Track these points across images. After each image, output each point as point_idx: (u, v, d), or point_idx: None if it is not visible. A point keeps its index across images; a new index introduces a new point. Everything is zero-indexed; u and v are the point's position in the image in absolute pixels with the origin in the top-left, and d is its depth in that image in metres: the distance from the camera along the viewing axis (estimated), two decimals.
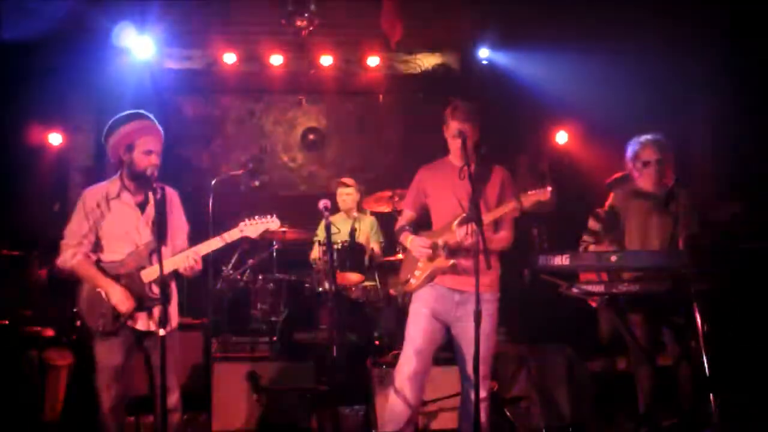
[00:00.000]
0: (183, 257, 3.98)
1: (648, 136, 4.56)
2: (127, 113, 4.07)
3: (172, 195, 4.20)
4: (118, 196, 4.05)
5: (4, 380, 5.27)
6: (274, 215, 4.13)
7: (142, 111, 4.11)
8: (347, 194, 6.89)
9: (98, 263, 4.00)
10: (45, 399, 5.30)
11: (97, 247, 4.04)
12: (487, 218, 3.99)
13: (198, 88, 9.00)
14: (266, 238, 6.65)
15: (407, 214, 4.44)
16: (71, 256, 3.97)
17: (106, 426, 4.00)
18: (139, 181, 4.02)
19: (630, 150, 4.60)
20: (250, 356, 5.54)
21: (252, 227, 4.10)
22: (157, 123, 4.10)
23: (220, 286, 6.67)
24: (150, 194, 3.99)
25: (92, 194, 4.05)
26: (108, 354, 3.97)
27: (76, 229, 4.01)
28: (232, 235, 4.06)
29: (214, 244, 4.03)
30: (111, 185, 4.08)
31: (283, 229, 6.51)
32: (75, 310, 4.06)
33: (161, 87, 8.30)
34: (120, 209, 4.04)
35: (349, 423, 5.44)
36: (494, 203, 4.20)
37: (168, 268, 3.94)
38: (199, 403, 5.33)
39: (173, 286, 4.17)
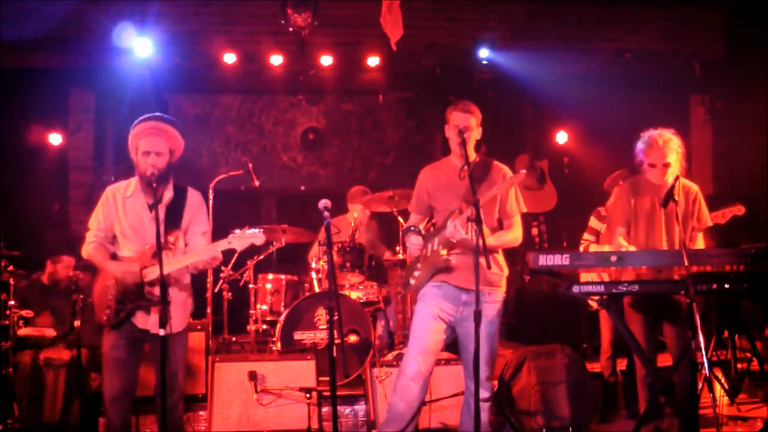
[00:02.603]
0: (202, 253, 4.07)
1: (657, 134, 4.49)
2: (143, 116, 4.15)
3: (193, 196, 4.25)
4: (132, 195, 4.15)
5: (3, 381, 5.26)
6: (261, 229, 4.12)
7: (155, 113, 4.18)
8: (358, 212, 6.86)
9: (114, 256, 4.14)
10: (44, 399, 5.30)
11: (114, 242, 4.18)
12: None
13: (198, 87, 9.00)
14: (266, 238, 6.64)
15: (413, 217, 4.45)
16: (88, 245, 4.16)
17: (109, 417, 4.05)
18: (146, 181, 4.05)
19: (639, 145, 4.55)
20: (250, 356, 5.53)
21: (239, 240, 4.07)
22: (166, 123, 4.14)
23: (220, 286, 6.67)
24: (162, 195, 4.05)
25: (111, 191, 4.21)
26: (112, 347, 4.06)
27: (93, 223, 4.19)
28: (220, 246, 4.07)
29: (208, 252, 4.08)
30: (130, 184, 4.20)
31: (283, 228, 6.53)
32: (89, 300, 4.28)
33: (161, 87, 8.29)
34: (132, 208, 4.14)
35: (349, 423, 5.45)
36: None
37: (176, 266, 4.02)
38: (199, 403, 5.34)
39: (185, 287, 4.20)
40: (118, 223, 4.13)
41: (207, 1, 7.73)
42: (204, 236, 4.25)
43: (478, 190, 4.03)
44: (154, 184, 3.95)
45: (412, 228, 4.32)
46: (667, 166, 4.45)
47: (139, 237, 4.09)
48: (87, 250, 4.17)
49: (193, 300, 4.33)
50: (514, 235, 4.24)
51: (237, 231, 4.09)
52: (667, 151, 4.44)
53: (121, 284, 4.03)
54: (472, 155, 4.23)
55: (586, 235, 5.90)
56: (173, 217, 4.10)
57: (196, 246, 4.17)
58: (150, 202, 4.06)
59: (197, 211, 4.25)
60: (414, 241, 4.23)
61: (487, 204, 4.09)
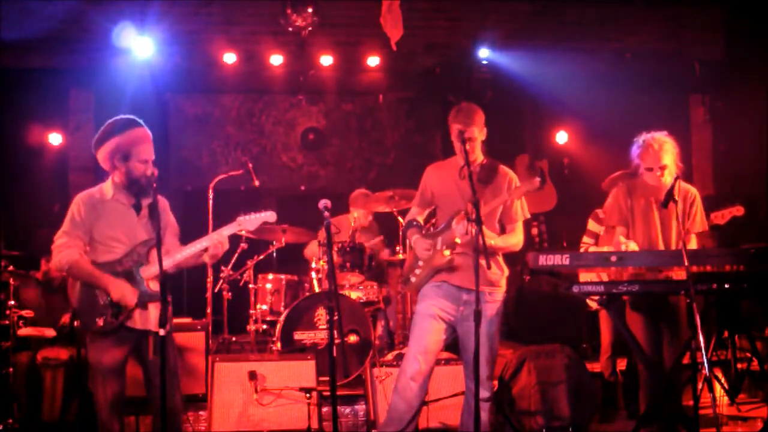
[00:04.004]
0: (209, 239, 4.03)
1: (651, 138, 4.52)
2: (121, 121, 4.09)
3: (163, 200, 4.22)
4: (112, 198, 4.07)
5: (3, 381, 5.26)
6: (272, 210, 4.16)
7: (134, 118, 4.12)
8: (360, 216, 6.86)
9: (93, 263, 4.00)
10: (43, 399, 5.30)
11: (90, 249, 4.04)
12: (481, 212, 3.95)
13: (198, 87, 9.00)
14: (266, 238, 6.65)
15: (414, 210, 4.47)
16: (68, 254, 3.96)
17: (105, 423, 3.99)
18: (135, 186, 4.04)
19: (634, 149, 4.58)
20: (250, 356, 5.53)
21: (250, 221, 4.13)
22: (147, 128, 4.12)
23: (220, 286, 6.67)
24: (142, 198, 4.03)
25: (85, 198, 4.07)
26: (104, 354, 3.96)
27: (69, 231, 4.01)
28: (230, 229, 4.08)
29: (214, 237, 4.06)
30: (104, 189, 4.11)
31: (283, 228, 6.53)
32: (72, 310, 4.07)
33: (161, 87, 8.30)
34: (115, 211, 4.06)
35: (349, 423, 5.45)
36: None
37: (169, 263, 3.97)
38: (199, 403, 5.34)
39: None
40: (102, 227, 4.01)
41: (207, 1, 7.73)
42: (176, 237, 4.24)
43: (483, 193, 4.07)
44: (155, 185, 3.94)
45: (414, 223, 4.35)
46: (664, 168, 4.49)
47: (125, 238, 4.03)
48: (68, 261, 3.95)
49: (192, 299, 4.32)
50: (517, 239, 4.27)
51: (244, 215, 4.12)
52: (662, 153, 4.48)
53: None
54: (480, 157, 4.27)
55: (585, 238, 5.91)
56: (155, 219, 4.06)
57: (173, 244, 4.15)
58: (133, 204, 4.06)
59: (168, 213, 4.25)
60: (423, 245, 4.24)
61: (493, 209, 4.12)
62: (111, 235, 4.03)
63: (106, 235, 4.02)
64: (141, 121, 4.13)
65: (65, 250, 3.97)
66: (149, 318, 4.00)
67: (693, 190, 4.59)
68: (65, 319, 5.52)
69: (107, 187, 4.10)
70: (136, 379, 4.17)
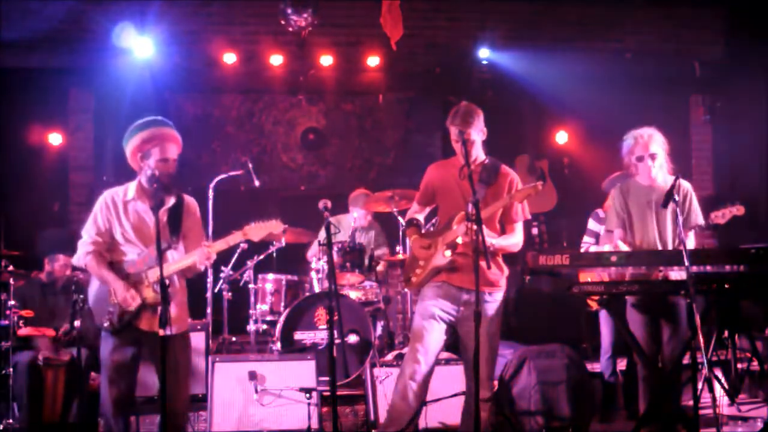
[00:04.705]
0: (198, 252, 4.02)
1: (639, 131, 4.54)
2: (146, 120, 4.12)
3: (189, 202, 4.25)
4: (135, 199, 4.11)
5: (3, 381, 5.26)
6: (278, 218, 4.15)
7: (160, 118, 4.15)
8: (359, 216, 6.86)
9: (111, 263, 4.06)
10: (44, 399, 5.29)
11: (112, 247, 4.10)
12: (483, 214, 3.97)
13: (198, 87, 8.99)
14: (266, 238, 6.65)
15: (416, 207, 4.49)
16: (84, 254, 4.06)
17: (110, 423, 4.02)
18: (154, 186, 4.04)
19: (624, 146, 4.61)
20: (250, 356, 5.53)
21: (255, 231, 4.11)
22: (174, 129, 4.13)
23: (220, 286, 6.67)
24: (165, 199, 4.03)
25: (110, 196, 4.14)
26: (112, 352, 4.01)
27: (90, 229, 4.10)
28: (235, 239, 4.09)
29: (218, 245, 4.06)
30: (129, 188, 4.15)
31: (284, 228, 6.52)
32: (86, 306, 4.18)
33: (161, 87, 8.29)
34: (134, 212, 4.11)
35: (349, 423, 5.45)
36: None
37: (176, 267, 4.01)
38: (199, 403, 5.34)
39: (182, 288, 4.19)
40: (120, 227, 4.09)
41: (207, 1, 7.73)
42: (198, 241, 4.21)
43: (485, 194, 4.07)
44: (155, 185, 3.95)
45: (414, 222, 4.37)
46: (653, 157, 4.49)
47: (143, 240, 4.07)
48: (84, 260, 4.07)
49: (192, 299, 4.32)
50: (517, 239, 4.28)
51: (253, 224, 4.11)
52: (651, 142, 4.50)
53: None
54: (481, 156, 4.27)
55: (585, 238, 5.92)
56: (174, 221, 4.11)
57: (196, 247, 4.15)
58: (154, 205, 4.07)
59: (195, 214, 4.26)
60: (421, 244, 4.26)
61: (494, 211, 4.13)
62: (127, 236, 4.09)
63: (124, 236, 4.09)
64: (167, 121, 4.15)
65: (84, 247, 4.08)
66: (156, 321, 3.99)
67: (686, 185, 4.59)
68: (65, 327, 5.51)
69: (132, 187, 4.15)
70: (140, 379, 4.19)
